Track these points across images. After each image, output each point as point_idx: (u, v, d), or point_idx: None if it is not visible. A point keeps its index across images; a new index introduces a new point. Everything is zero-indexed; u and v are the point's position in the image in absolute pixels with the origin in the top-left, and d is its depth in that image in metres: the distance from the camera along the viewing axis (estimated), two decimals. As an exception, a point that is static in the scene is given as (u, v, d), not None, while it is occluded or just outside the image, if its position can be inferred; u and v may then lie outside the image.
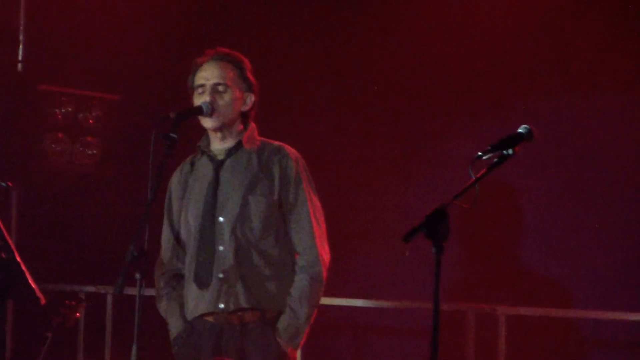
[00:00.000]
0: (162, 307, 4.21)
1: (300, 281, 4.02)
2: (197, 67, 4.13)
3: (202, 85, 4.08)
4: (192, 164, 4.22)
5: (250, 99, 4.13)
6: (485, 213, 5.98)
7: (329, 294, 4.35)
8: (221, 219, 4.04)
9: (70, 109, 7.31)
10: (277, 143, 4.17)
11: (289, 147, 4.16)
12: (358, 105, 6.85)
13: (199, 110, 4.02)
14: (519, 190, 6.19)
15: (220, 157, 4.14)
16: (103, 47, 7.15)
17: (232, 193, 4.06)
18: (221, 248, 4.03)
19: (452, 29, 6.42)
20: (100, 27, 7.15)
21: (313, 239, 4.05)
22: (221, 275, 4.02)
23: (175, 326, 4.15)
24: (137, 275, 3.55)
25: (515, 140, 3.31)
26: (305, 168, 4.13)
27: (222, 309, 4.02)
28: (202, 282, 4.05)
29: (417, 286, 5.49)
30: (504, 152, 3.29)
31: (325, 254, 4.08)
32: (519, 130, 3.35)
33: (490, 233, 6.23)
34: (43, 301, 4.43)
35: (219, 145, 4.15)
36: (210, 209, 4.07)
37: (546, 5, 6.13)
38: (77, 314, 4.68)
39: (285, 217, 4.08)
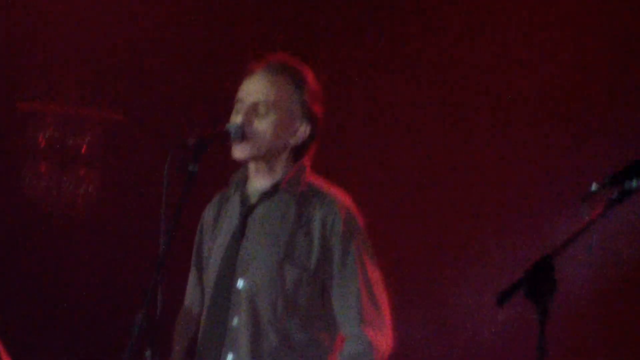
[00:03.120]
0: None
1: None
2: (247, 75, 4.21)
3: (240, 101, 4.18)
4: (228, 199, 4.30)
5: (305, 129, 4.17)
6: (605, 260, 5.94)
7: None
8: (240, 283, 4.12)
9: (56, 133, 7.40)
10: (325, 188, 4.18)
11: (339, 194, 4.18)
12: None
13: (225, 135, 4.08)
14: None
15: (253, 201, 4.20)
16: (101, 51, 7.19)
17: (257, 252, 4.12)
18: (235, 321, 4.10)
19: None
20: (96, 24, 7.14)
21: (361, 323, 4.05)
22: (230, 357, 4.08)
23: None
24: (147, 353, 3.66)
25: None
26: (357, 224, 4.13)
27: None
28: None
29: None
30: (627, 185, 3.30)
31: (381, 341, 4.07)
32: None
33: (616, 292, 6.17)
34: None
35: (254, 182, 4.21)
36: (229, 269, 4.14)
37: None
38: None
39: (328, 290, 4.11)
